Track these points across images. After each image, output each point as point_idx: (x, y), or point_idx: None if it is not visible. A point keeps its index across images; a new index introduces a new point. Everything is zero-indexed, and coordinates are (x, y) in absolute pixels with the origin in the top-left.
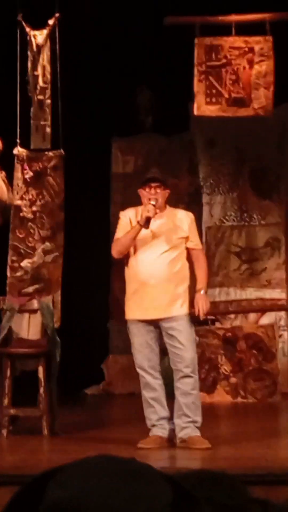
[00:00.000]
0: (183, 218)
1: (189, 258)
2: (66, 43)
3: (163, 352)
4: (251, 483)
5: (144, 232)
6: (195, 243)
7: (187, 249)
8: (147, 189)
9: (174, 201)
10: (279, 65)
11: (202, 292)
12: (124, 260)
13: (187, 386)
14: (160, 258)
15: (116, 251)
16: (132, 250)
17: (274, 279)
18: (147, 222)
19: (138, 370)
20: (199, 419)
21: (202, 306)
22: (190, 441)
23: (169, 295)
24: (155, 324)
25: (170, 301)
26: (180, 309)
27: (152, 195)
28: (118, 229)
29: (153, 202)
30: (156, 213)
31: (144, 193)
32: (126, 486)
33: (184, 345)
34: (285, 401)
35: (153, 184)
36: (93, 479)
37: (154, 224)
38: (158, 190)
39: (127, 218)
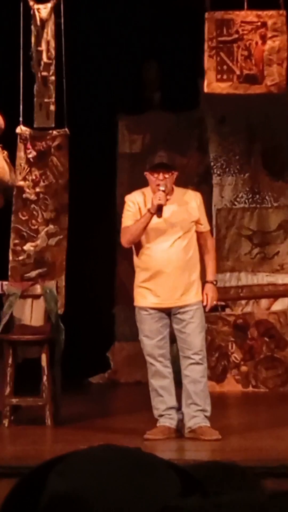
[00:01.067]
0: (192, 200)
1: (198, 241)
2: (71, 17)
3: (172, 340)
4: (262, 476)
5: (156, 220)
6: (204, 225)
7: (196, 232)
8: (155, 175)
9: (183, 182)
10: None
11: (212, 283)
12: (134, 248)
13: (196, 374)
14: (174, 245)
15: (126, 240)
16: (144, 238)
17: (286, 264)
18: (159, 210)
19: (148, 358)
20: (209, 408)
21: (211, 298)
22: (200, 432)
23: (184, 283)
24: (167, 311)
25: (185, 289)
26: (194, 297)
27: (160, 180)
28: (126, 216)
29: (162, 188)
30: (167, 200)
31: (152, 178)
32: (132, 477)
33: (194, 332)
34: None
35: (161, 169)
36: (97, 470)
37: (165, 211)
38: (167, 175)
39: (136, 204)
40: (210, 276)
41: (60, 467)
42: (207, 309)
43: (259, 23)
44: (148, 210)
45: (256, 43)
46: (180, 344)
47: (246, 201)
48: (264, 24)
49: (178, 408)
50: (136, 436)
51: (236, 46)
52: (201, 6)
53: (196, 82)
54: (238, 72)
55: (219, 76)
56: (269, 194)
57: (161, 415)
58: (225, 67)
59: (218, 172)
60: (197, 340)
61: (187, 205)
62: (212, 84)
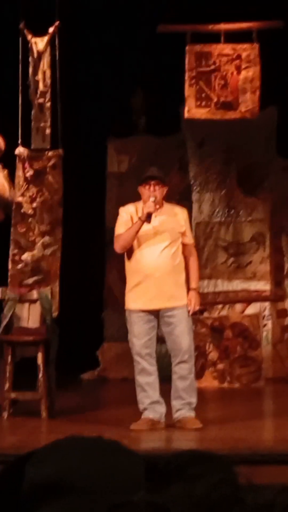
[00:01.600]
0: (179, 214)
1: (183, 252)
2: (65, 50)
3: (158, 340)
4: (237, 463)
5: (146, 228)
6: (189, 238)
7: (182, 244)
8: (147, 187)
9: (165, 198)
10: (265, 70)
11: (195, 290)
12: (125, 254)
13: (184, 371)
14: (163, 252)
15: (119, 246)
16: (135, 244)
17: (259, 272)
18: (148, 217)
19: (135, 356)
20: (194, 400)
21: (194, 304)
22: (184, 421)
23: (171, 286)
24: (155, 313)
25: (172, 293)
26: (182, 299)
27: (151, 192)
28: (119, 224)
29: (152, 199)
30: (156, 209)
31: (143, 190)
32: (99, 461)
33: (183, 333)
34: (268, 386)
35: (152, 182)
36: (66, 457)
37: (155, 220)
38: (157, 187)
39: (128, 214)
40: (193, 284)
41: (33, 459)
42: (190, 313)
43: (234, 55)
44: (139, 218)
45: (232, 73)
46: (170, 345)
47: (223, 215)
48: (239, 56)
49: (161, 402)
50: (123, 427)
51: (214, 76)
52: (182, 40)
53: (177, 108)
54: (215, 99)
55: (198, 103)
56: (243, 209)
57: (145, 409)
58: (203, 94)
59: (197, 190)
60: (185, 341)
61: (175, 217)
62: (192, 110)
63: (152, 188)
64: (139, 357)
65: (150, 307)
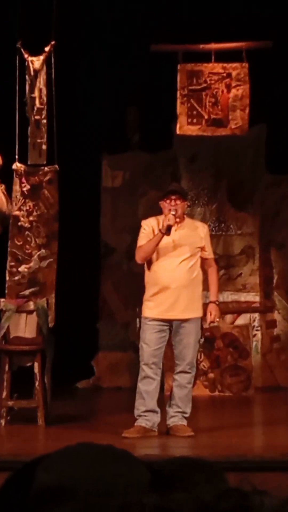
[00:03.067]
0: (200, 229)
1: (202, 266)
2: (61, 68)
3: None
4: (227, 470)
5: (166, 240)
6: (209, 252)
7: (201, 258)
8: (168, 201)
9: (159, 212)
10: (254, 89)
11: (215, 303)
12: (146, 265)
13: (184, 380)
14: (180, 265)
15: (139, 257)
16: (154, 256)
17: (248, 284)
18: (168, 230)
19: (142, 364)
20: (188, 410)
21: (214, 316)
22: (175, 429)
23: (187, 299)
24: (169, 324)
25: (188, 305)
26: (195, 312)
27: (172, 206)
28: (141, 237)
29: (173, 212)
30: (176, 222)
31: (165, 204)
32: (106, 468)
33: (189, 345)
34: (258, 395)
35: (173, 196)
36: (75, 463)
37: (175, 234)
38: (178, 202)
39: (150, 227)
40: (212, 297)
41: (44, 463)
42: (209, 324)
43: (224, 74)
44: (160, 230)
45: (222, 91)
46: (176, 353)
47: (213, 229)
48: (229, 75)
49: (156, 411)
50: (117, 434)
51: (205, 94)
52: (174, 59)
53: (169, 125)
54: (206, 117)
55: (189, 120)
56: (233, 223)
57: (139, 415)
58: (195, 112)
59: (189, 204)
60: (190, 353)
61: (195, 232)
62: (184, 127)
63: (173, 202)
64: (145, 364)
65: (165, 317)
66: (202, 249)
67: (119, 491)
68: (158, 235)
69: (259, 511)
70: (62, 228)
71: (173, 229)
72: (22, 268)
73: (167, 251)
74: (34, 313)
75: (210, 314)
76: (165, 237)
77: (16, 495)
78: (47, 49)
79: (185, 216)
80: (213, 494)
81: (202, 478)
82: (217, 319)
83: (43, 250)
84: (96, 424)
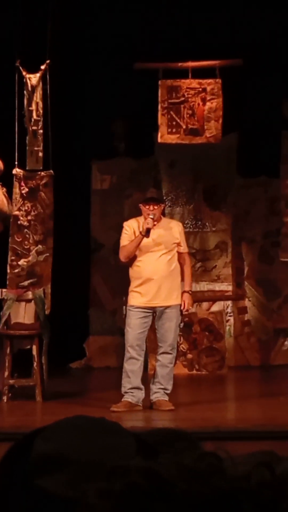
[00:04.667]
0: (175, 227)
1: (178, 259)
2: (55, 84)
3: None
4: (203, 439)
5: (146, 239)
6: (183, 247)
7: (177, 252)
8: (147, 206)
9: (140, 213)
10: (227, 102)
11: (188, 292)
12: (129, 261)
13: (165, 360)
14: (160, 259)
15: (123, 256)
16: (137, 252)
17: (222, 275)
18: (147, 232)
19: (127, 346)
20: (170, 387)
21: (187, 304)
22: (158, 404)
23: (167, 288)
24: (152, 311)
25: (168, 293)
26: (175, 299)
27: (151, 211)
28: (123, 238)
29: (151, 216)
30: (154, 225)
31: (144, 209)
32: (98, 439)
33: (170, 329)
34: (231, 373)
35: (151, 202)
36: (72, 434)
37: (154, 233)
38: (156, 207)
39: (131, 228)
40: (187, 287)
41: (44, 434)
42: (183, 311)
43: (200, 89)
44: (140, 232)
45: (198, 104)
46: (159, 336)
47: (191, 226)
48: (204, 90)
49: (141, 388)
50: (106, 408)
51: (183, 107)
52: (155, 75)
53: (151, 134)
54: (184, 127)
55: (169, 130)
56: (208, 221)
57: (126, 392)
58: (174, 122)
59: (169, 204)
60: (171, 336)
61: (171, 230)
62: (164, 136)
63: (151, 207)
64: (130, 346)
65: (149, 304)
66: (178, 244)
67: (110, 458)
68: (138, 237)
69: (230, 471)
70: (56, 226)
71: (152, 230)
72: (22, 262)
73: (148, 248)
74: (32, 302)
75: (184, 303)
76: (149, 232)
77: (17, 462)
78: (43, 67)
79: (162, 216)
80: (191, 458)
81: (182, 446)
82: (190, 307)
83: (40, 246)
84: (87, 400)
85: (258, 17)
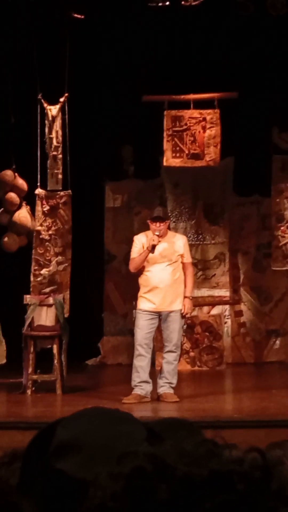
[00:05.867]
0: (180, 240)
1: (183, 269)
2: (73, 114)
3: None
4: (204, 428)
5: (152, 254)
6: (187, 258)
7: (181, 263)
8: (154, 224)
9: (148, 228)
10: (224, 130)
11: (189, 298)
12: (138, 271)
13: (171, 357)
14: (165, 269)
15: (132, 267)
16: (145, 264)
17: (221, 282)
18: (152, 249)
19: (136, 345)
20: (175, 381)
21: (188, 309)
22: (164, 396)
23: (172, 295)
24: (158, 315)
25: (173, 299)
26: (178, 305)
27: (157, 227)
28: (133, 251)
29: (157, 233)
30: (159, 242)
31: (151, 226)
32: (111, 427)
33: (175, 330)
34: (228, 369)
35: (158, 221)
36: (88, 423)
37: (160, 247)
38: (162, 224)
39: (140, 242)
40: (187, 293)
41: (64, 423)
42: (184, 315)
43: (201, 118)
44: (147, 248)
45: (199, 131)
46: (164, 337)
47: (193, 239)
48: (204, 119)
49: (149, 382)
50: (118, 400)
51: (185, 134)
52: (161, 107)
53: (158, 159)
54: (186, 152)
55: (174, 155)
56: (208, 235)
57: (135, 386)
58: (178, 148)
59: (174, 220)
60: (175, 336)
61: (175, 243)
62: (169, 160)
63: (158, 224)
64: (139, 345)
65: (155, 309)
66: (181, 256)
67: (121, 444)
68: (145, 252)
69: (225, 456)
70: (74, 239)
71: (157, 245)
72: (43, 271)
73: (154, 260)
74: (53, 306)
75: (184, 307)
76: (154, 248)
77: (41, 448)
78: (62, 99)
79: (168, 230)
80: (192, 444)
81: (185, 434)
82: (189, 311)
83: (59, 257)
84: (102, 393)
85: (251, 55)
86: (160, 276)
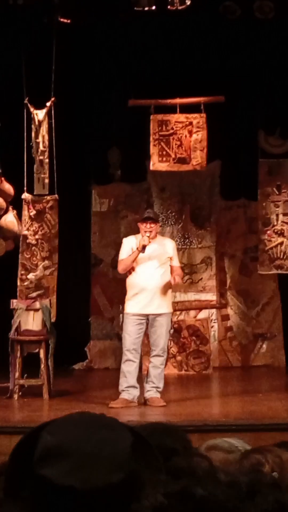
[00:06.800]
0: (168, 244)
1: (171, 272)
2: (59, 119)
3: None
4: (191, 432)
5: (142, 254)
6: (175, 261)
7: (170, 266)
8: (144, 224)
9: (136, 231)
10: (210, 134)
11: (177, 265)
12: (127, 273)
13: (157, 362)
14: (154, 272)
15: (121, 269)
16: (134, 265)
17: (207, 286)
18: (143, 248)
19: (124, 350)
20: (161, 385)
21: (177, 276)
22: (151, 400)
23: (160, 298)
24: (146, 318)
25: (160, 303)
26: (166, 308)
27: (147, 229)
28: (122, 252)
29: (147, 234)
30: (149, 242)
31: (142, 226)
32: (97, 433)
33: (162, 334)
34: (215, 373)
35: (149, 221)
36: (73, 429)
37: (149, 249)
38: (152, 225)
39: (129, 244)
40: (177, 270)
41: (49, 428)
42: (173, 283)
43: (187, 122)
44: (137, 248)
45: (185, 136)
46: (151, 341)
47: (180, 243)
48: (190, 123)
49: (136, 386)
50: (105, 405)
51: (172, 138)
52: (148, 111)
53: (144, 163)
54: (173, 156)
55: (160, 159)
56: (195, 239)
57: (123, 390)
58: (164, 152)
59: (160, 224)
60: (162, 340)
61: (165, 246)
62: (155, 164)
63: (148, 225)
64: (127, 350)
65: (143, 312)
66: (170, 259)
67: (107, 451)
68: (135, 252)
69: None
70: (61, 244)
71: (147, 246)
72: (30, 275)
73: (143, 261)
74: (40, 311)
75: (173, 275)
76: (145, 248)
77: (25, 453)
78: (48, 104)
79: (157, 234)
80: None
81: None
82: (178, 279)
83: (46, 261)
84: (88, 397)
85: (238, 59)
86: (148, 277)
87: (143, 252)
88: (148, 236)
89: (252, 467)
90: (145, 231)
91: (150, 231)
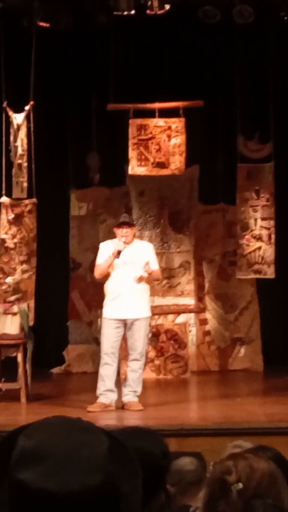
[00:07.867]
0: (145, 248)
1: (150, 276)
2: (38, 123)
3: None
4: (168, 435)
5: (118, 260)
6: (154, 264)
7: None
8: (120, 229)
9: (114, 236)
10: (189, 138)
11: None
12: (103, 278)
13: (135, 366)
14: (131, 275)
15: (97, 274)
16: (111, 270)
17: (185, 290)
18: (118, 254)
19: (102, 354)
20: (139, 390)
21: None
22: (129, 404)
23: (137, 302)
24: (123, 322)
25: (138, 307)
26: (144, 312)
27: (123, 234)
28: (99, 257)
29: (123, 239)
30: (125, 247)
31: (118, 231)
32: (74, 437)
33: (140, 338)
34: (193, 377)
35: (124, 226)
36: (50, 432)
37: (125, 253)
38: (128, 230)
39: (106, 249)
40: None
41: (27, 431)
42: (145, 271)
43: (166, 127)
44: (113, 253)
45: (164, 140)
46: (129, 345)
47: (158, 247)
48: (169, 127)
49: (114, 390)
50: (83, 409)
51: (151, 142)
52: (127, 115)
53: (123, 167)
54: (152, 160)
55: (139, 163)
56: (173, 243)
57: (100, 394)
58: (143, 156)
59: (139, 228)
60: (140, 345)
61: (142, 250)
62: (134, 168)
63: (124, 230)
64: (105, 354)
65: (121, 317)
66: (148, 263)
67: (84, 456)
68: (110, 258)
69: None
70: (39, 247)
71: (123, 250)
72: (8, 279)
73: (119, 266)
74: (18, 315)
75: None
76: (120, 254)
77: (2, 456)
78: (27, 108)
79: (134, 238)
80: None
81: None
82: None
83: (24, 265)
84: (66, 401)
85: (217, 64)
86: (125, 282)
87: (118, 257)
88: (124, 241)
89: (221, 474)
90: (121, 236)
91: (126, 236)
